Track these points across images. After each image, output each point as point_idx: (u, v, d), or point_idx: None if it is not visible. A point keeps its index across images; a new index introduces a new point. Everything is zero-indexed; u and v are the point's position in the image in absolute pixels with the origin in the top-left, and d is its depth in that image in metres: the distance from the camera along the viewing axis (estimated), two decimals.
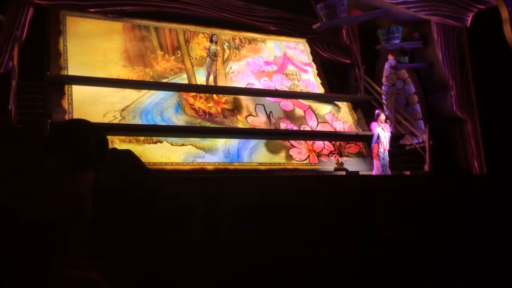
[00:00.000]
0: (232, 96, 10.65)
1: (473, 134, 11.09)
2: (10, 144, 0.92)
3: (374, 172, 9.39)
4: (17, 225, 0.90)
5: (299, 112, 11.07)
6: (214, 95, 10.49)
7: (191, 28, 11.49)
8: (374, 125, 9.55)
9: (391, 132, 9.79)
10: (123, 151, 1.21)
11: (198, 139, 9.53)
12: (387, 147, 9.36)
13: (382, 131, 9.37)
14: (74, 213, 0.97)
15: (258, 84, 11.29)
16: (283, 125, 10.62)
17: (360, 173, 9.89)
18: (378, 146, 9.31)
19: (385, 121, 9.62)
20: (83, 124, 0.99)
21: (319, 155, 10.43)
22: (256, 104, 10.74)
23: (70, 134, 0.96)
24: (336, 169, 10.02)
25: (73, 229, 0.99)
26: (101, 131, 1.01)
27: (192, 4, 11.44)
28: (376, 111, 9.95)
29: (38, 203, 0.91)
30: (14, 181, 0.89)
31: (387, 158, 9.31)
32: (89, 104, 9.19)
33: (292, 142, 10.37)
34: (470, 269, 5.17)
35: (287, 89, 11.47)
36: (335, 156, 10.46)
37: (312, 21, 11.35)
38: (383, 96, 11.91)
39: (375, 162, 9.37)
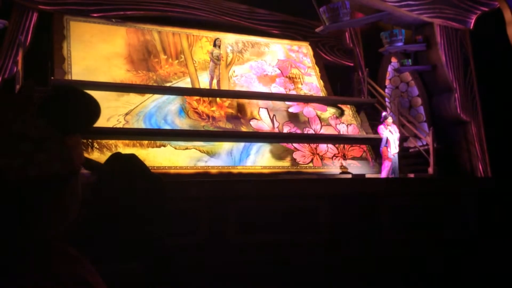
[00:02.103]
0: (235, 99, 10.67)
1: (477, 136, 11.05)
2: None
3: (382, 174, 9.31)
4: (3, 183, 0.87)
5: (303, 115, 11.07)
6: (218, 99, 10.50)
7: (194, 32, 11.52)
8: (381, 128, 9.45)
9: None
10: (127, 155, 1.21)
11: (201, 143, 9.54)
12: (397, 149, 9.26)
13: (390, 134, 9.27)
14: (65, 177, 0.94)
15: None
16: (286, 129, 10.62)
17: (365, 176, 9.87)
18: (388, 149, 9.21)
19: (392, 123, 9.54)
20: (73, 88, 0.99)
21: (322, 158, 10.42)
22: (259, 108, 10.74)
23: (60, 98, 0.95)
24: (341, 173, 10.00)
25: (61, 198, 0.95)
26: (91, 96, 1.00)
27: (195, 8, 11.47)
28: (383, 114, 9.87)
29: (28, 161, 0.88)
30: (2, 138, 0.86)
31: (397, 160, 9.24)
32: None
33: (296, 145, 10.36)
34: (474, 271, 5.15)
35: (289, 93, 11.48)
36: (339, 159, 10.44)
37: (315, 24, 11.36)
38: (386, 99, 11.89)
39: (386, 163, 9.25)
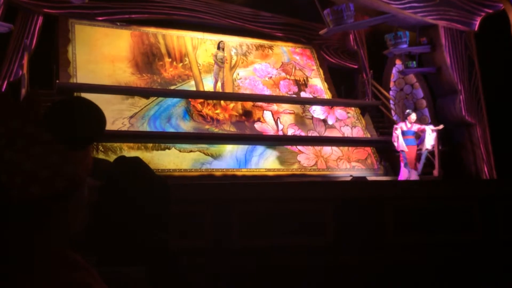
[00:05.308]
0: (239, 102, 10.67)
1: (483, 138, 11.01)
2: (2, 118, 0.88)
3: (400, 177, 9.21)
4: (5, 201, 0.86)
5: (307, 117, 11.07)
6: (222, 102, 10.51)
7: (199, 35, 11.55)
8: (399, 125, 9.23)
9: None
10: (132, 158, 1.21)
11: (206, 146, 9.55)
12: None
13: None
14: (68, 193, 0.92)
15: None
16: (290, 131, 10.62)
17: (368, 178, 9.83)
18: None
19: (415, 121, 9.23)
20: (81, 101, 0.96)
21: (327, 161, 10.41)
22: (263, 110, 10.75)
23: (67, 111, 0.93)
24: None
25: (64, 211, 0.94)
26: (99, 108, 0.97)
27: (200, 12, 11.50)
28: (407, 111, 9.69)
29: (31, 178, 0.87)
30: (5, 153, 0.85)
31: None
32: None
33: (300, 147, 10.36)
34: (477, 274, 5.12)
35: (294, 95, 11.49)
36: (343, 162, 10.43)
37: (319, 26, 11.37)
38: (391, 101, 11.88)
39: (403, 166, 9.15)
